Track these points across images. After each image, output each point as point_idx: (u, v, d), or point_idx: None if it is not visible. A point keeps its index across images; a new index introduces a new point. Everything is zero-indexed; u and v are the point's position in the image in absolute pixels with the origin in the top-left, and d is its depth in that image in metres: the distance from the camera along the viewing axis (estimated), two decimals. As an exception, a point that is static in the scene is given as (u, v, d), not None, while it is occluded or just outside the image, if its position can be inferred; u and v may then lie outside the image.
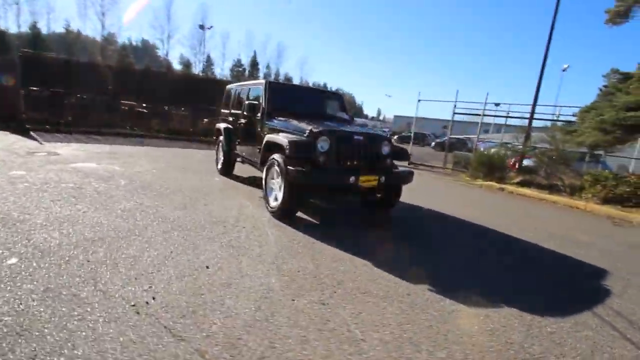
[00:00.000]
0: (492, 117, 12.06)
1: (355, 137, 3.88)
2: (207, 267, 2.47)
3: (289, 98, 4.85)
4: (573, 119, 9.86)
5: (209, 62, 54.23)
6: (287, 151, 3.53)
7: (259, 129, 4.58)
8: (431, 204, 5.53)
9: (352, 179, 3.57)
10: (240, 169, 6.18)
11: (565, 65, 29.65)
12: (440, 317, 2.16)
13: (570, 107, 10.68)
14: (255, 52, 58.00)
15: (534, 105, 10.77)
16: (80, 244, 2.61)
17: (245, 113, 5.10)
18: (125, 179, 4.97)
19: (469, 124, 13.07)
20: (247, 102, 4.61)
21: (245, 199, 4.62)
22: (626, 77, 7.09)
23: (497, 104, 11.92)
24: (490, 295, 2.53)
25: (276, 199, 3.89)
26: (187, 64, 51.42)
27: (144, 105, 14.72)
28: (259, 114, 4.59)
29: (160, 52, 51.68)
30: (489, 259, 3.47)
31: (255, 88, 5.12)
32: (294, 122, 4.14)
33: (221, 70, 54.13)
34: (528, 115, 10.82)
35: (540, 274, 3.17)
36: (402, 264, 2.94)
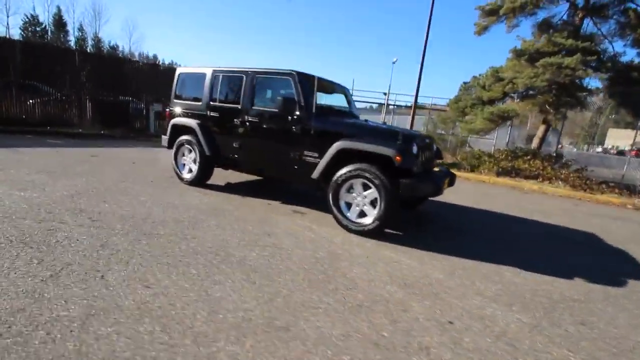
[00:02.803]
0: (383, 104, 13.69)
1: (426, 140, 3.79)
2: (451, 322, 2.03)
3: (317, 93, 4.15)
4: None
5: (-21, 14, 37.55)
6: (397, 162, 3.11)
7: (299, 132, 3.77)
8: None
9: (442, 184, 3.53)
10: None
11: (395, 59, 36.05)
12: None
13: (441, 98, 13.24)
14: (59, 9, 43.93)
15: (416, 96, 12.92)
16: (276, 346, 1.63)
17: (265, 109, 4.05)
18: (78, 215, 3.20)
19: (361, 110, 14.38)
20: (282, 97, 3.67)
21: (284, 217, 3.80)
22: (499, 78, 9.50)
23: (385, 93, 13.59)
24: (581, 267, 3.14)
25: (362, 215, 3.41)
26: None
27: None
28: (296, 113, 3.75)
29: None
30: (534, 238, 4.16)
31: (269, 79, 4.09)
32: (362, 123, 3.63)
33: (5, 29, 38.48)
34: (408, 103, 12.93)
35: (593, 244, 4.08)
36: (521, 258, 3.19)
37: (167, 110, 5.11)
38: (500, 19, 10.57)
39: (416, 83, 12.46)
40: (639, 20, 8.39)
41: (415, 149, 3.34)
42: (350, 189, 3.46)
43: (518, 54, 9.18)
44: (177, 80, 4.99)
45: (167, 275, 2.23)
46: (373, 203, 3.32)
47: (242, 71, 4.25)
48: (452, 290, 2.45)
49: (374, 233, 3.32)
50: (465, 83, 12.25)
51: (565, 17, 10.93)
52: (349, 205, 3.49)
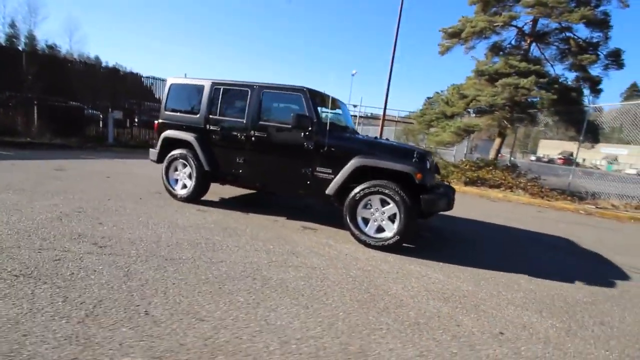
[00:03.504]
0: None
1: (430, 155, 3.99)
2: (502, 333, 2.16)
3: (323, 109, 4.18)
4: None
5: None
6: (418, 179, 3.24)
7: (312, 148, 3.76)
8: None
9: (451, 198, 3.73)
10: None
11: (354, 71, 37.48)
12: None
13: (406, 111, 13.95)
14: (-15, 1, 38.99)
15: (385, 108, 13.51)
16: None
17: (273, 125, 3.99)
18: (79, 240, 2.89)
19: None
20: (295, 113, 3.64)
21: (298, 234, 3.75)
22: (463, 96, 10.27)
23: (355, 105, 14.01)
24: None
25: (380, 231, 3.48)
26: None
27: None
28: (309, 129, 3.75)
29: None
30: (524, 245, 4.52)
31: (277, 94, 4.05)
32: (375, 141, 3.73)
33: None
34: (376, 115, 13.47)
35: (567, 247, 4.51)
36: (525, 265, 3.46)
37: (156, 122, 4.80)
38: (461, 40, 11.51)
39: (384, 97, 13.06)
40: (579, 48, 9.65)
41: (429, 165, 3.51)
42: (367, 205, 3.52)
43: (479, 73, 10.06)
44: (169, 92, 4.72)
45: (216, 305, 2.10)
46: (391, 218, 3.41)
47: (247, 85, 4.15)
48: (486, 301, 2.60)
49: (394, 248, 3.40)
50: (429, 98, 13.06)
51: (513, 42, 12.23)
52: (365, 221, 3.55)
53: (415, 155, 3.44)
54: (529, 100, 10.30)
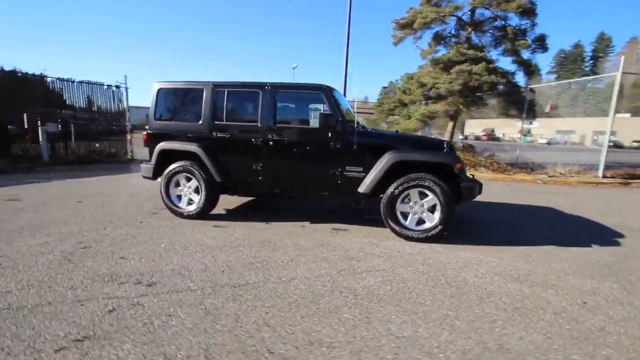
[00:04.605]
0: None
1: (447, 144, 4.13)
2: (585, 303, 2.34)
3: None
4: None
5: None
6: (457, 169, 3.34)
7: (340, 147, 3.64)
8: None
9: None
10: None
11: (295, 64, 37.12)
12: None
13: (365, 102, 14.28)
14: None
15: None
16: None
17: (294, 126, 3.81)
18: (115, 283, 2.49)
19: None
20: (320, 112, 3.47)
21: (337, 237, 3.64)
22: (421, 84, 10.81)
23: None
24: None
25: (421, 222, 3.53)
26: None
27: None
28: (336, 128, 3.61)
29: None
30: (522, 219, 4.94)
31: (294, 94, 3.82)
32: (402, 135, 3.73)
33: None
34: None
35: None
36: (541, 237, 3.80)
37: (144, 133, 4.23)
38: (412, 31, 12.06)
39: (342, 88, 13.22)
40: (514, 35, 10.75)
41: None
42: (404, 199, 3.53)
43: (434, 62, 10.67)
44: (157, 98, 4.17)
45: (331, 328, 1.94)
46: (430, 209, 3.48)
47: (257, 85, 3.85)
48: (547, 275, 2.79)
49: (436, 237, 3.47)
50: (384, 87, 13.55)
51: (453, 31, 13.17)
52: (403, 215, 3.57)
53: (446, 146, 3.54)
54: (477, 84, 11.26)
